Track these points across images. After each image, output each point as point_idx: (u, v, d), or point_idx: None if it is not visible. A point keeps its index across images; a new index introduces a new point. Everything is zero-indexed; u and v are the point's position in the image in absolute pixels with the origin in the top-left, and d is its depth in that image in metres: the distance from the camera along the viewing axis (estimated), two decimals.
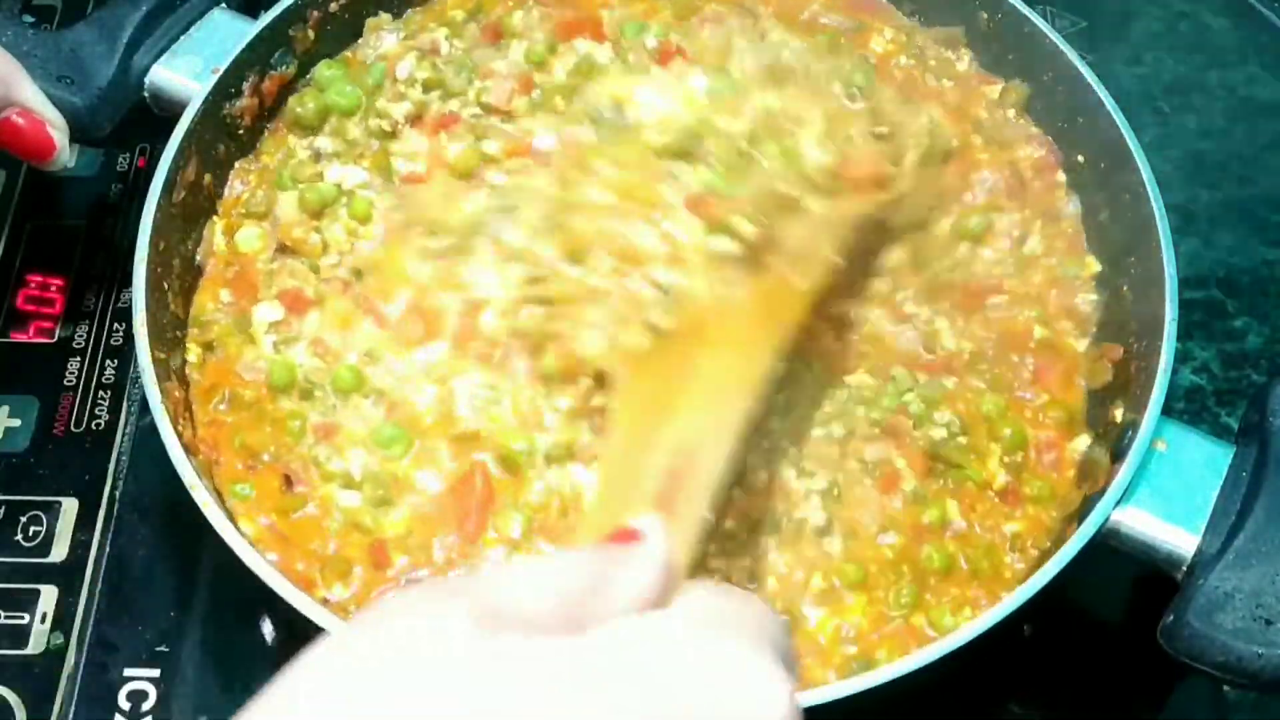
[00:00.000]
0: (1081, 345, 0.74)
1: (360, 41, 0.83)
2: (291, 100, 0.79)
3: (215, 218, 0.76)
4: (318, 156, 0.77)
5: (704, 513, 0.52)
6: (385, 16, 0.83)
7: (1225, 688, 0.73)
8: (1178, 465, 0.65)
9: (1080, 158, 0.79)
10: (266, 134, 0.80)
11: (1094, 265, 0.76)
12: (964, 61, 0.83)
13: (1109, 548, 0.64)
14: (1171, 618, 0.62)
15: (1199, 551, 0.63)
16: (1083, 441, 0.70)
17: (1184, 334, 0.70)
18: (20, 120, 0.73)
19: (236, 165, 0.78)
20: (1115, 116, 0.76)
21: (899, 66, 0.82)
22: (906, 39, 0.83)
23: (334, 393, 0.69)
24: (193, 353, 0.71)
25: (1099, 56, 0.98)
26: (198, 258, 0.75)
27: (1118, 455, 0.66)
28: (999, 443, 0.70)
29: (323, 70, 0.79)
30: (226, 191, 0.77)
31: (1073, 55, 0.78)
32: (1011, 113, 0.81)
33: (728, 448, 0.56)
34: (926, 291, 0.73)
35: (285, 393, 0.69)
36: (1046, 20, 0.81)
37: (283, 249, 0.74)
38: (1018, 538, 0.68)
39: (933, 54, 0.83)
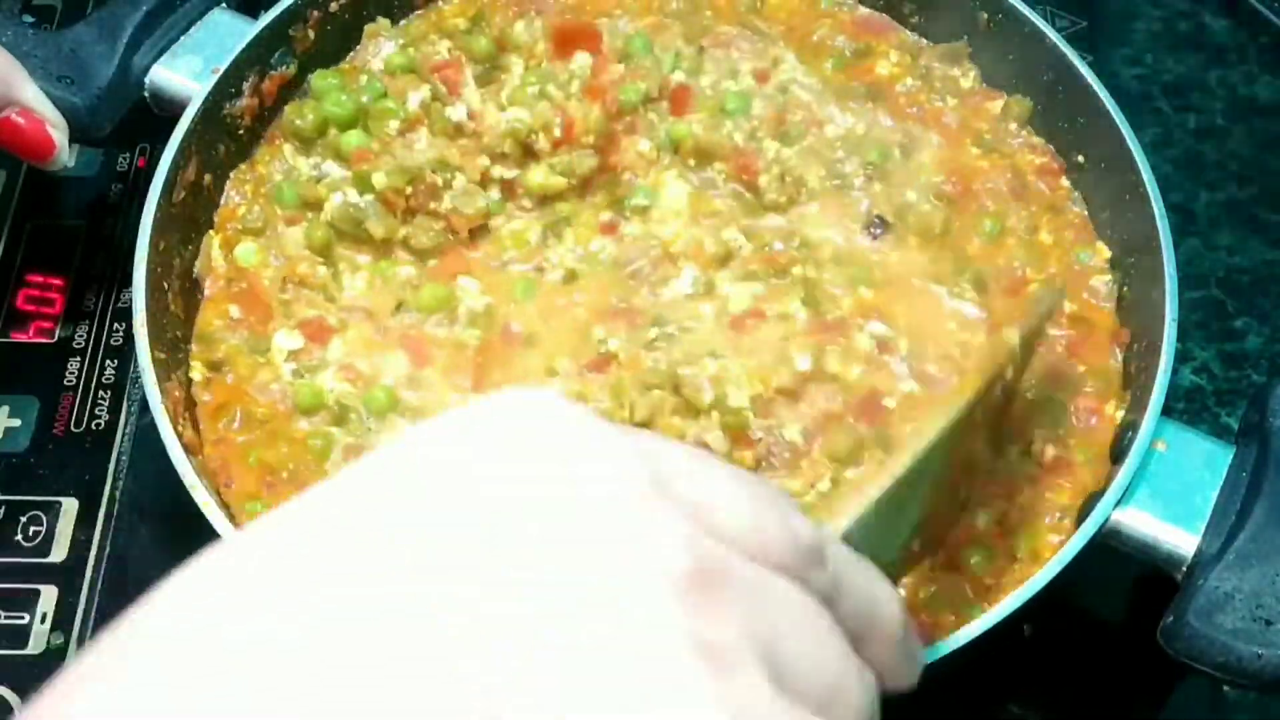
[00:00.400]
0: (1108, 310, 0.75)
1: (359, 48, 0.83)
2: (289, 110, 0.79)
3: (211, 232, 0.76)
4: (321, 178, 0.76)
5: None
6: (384, 22, 0.83)
7: (1225, 688, 0.73)
8: (1178, 465, 0.65)
9: (1080, 158, 0.79)
10: (262, 142, 0.80)
11: (1105, 251, 0.76)
12: (968, 78, 0.83)
13: (1109, 548, 0.64)
14: (1171, 618, 0.62)
15: (1199, 552, 0.63)
16: (1111, 407, 0.70)
17: (1184, 334, 0.70)
18: (20, 119, 0.73)
19: (232, 175, 0.78)
20: (1115, 116, 0.76)
21: (905, 90, 0.82)
22: (912, 60, 0.83)
23: (369, 415, 0.69)
24: (197, 371, 0.71)
25: (1099, 56, 0.98)
26: (196, 271, 0.74)
27: (1118, 455, 0.66)
28: (1043, 419, 0.70)
29: (317, 80, 0.79)
30: (223, 201, 0.77)
31: (1073, 55, 0.78)
32: (1014, 125, 0.81)
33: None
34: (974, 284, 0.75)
35: (308, 415, 0.69)
36: (1046, 20, 0.81)
37: (290, 280, 0.74)
38: (1067, 509, 0.68)
39: (938, 73, 0.83)
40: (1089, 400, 0.71)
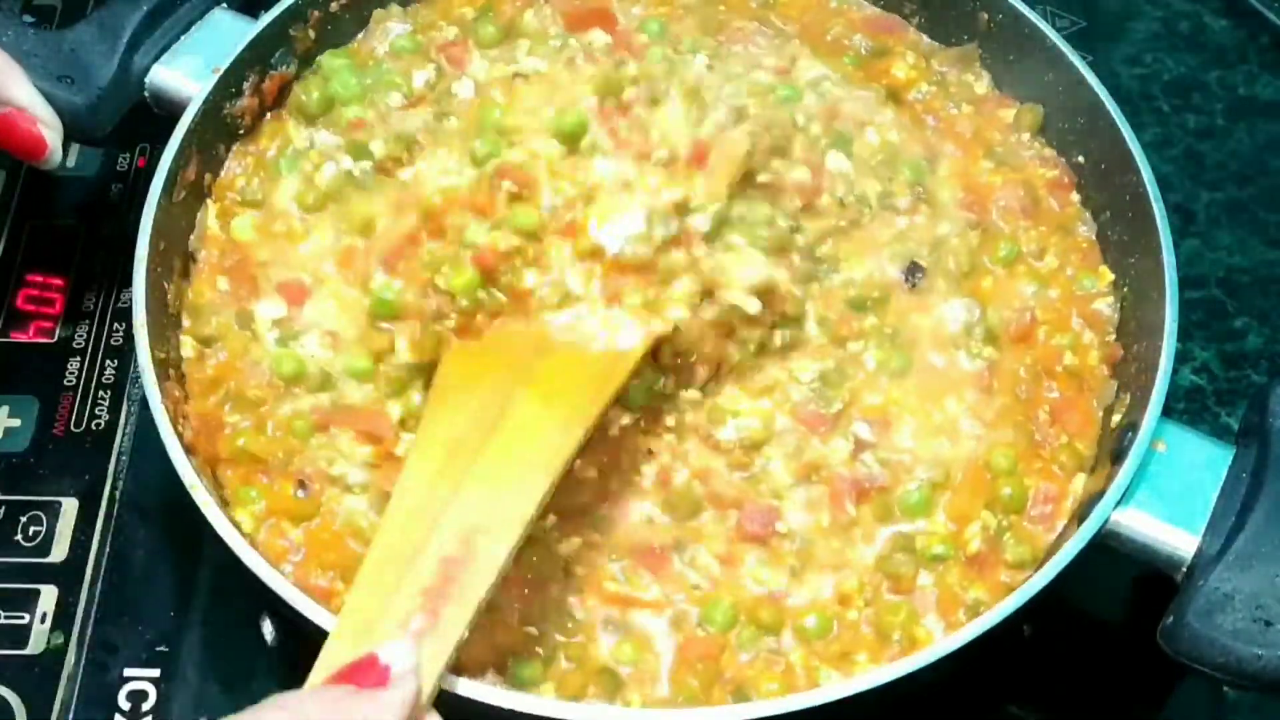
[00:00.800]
0: (1101, 357, 0.73)
1: (366, 32, 0.83)
2: (296, 87, 0.79)
3: (209, 201, 0.76)
4: (313, 145, 0.76)
5: (465, 629, 0.50)
6: (394, 8, 0.83)
7: (1225, 688, 0.73)
8: (1178, 466, 0.66)
9: (1081, 158, 0.79)
10: (268, 117, 0.79)
11: (1108, 275, 0.76)
12: (982, 84, 0.83)
13: (1109, 548, 0.64)
14: (1171, 619, 0.62)
15: (1199, 553, 0.63)
16: (1080, 480, 0.69)
17: (1184, 334, 0.70)
18: (12, 118, 0.73)
19: (234, 149, 0.78)
20: (1115, 116, 0.76)
21: (920, 96, 0.81)
22: (926, 64, 0.83)
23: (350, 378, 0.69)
24: (188, 347, 0.71)
25: (1099, 56, 0.99)
26: (191, 243, 0.74)
27: (1117, 456, 0.66)
28: (993, 506, 0.68)
29: (328, 60, 0.79)
30: (223, 173, 0.77)
31: (1073, 55, 0.78)
32: (1026, 136, 0.81)
33: (511, 545, 0.53)
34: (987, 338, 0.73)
35: (290, 384, 0.69)
36: (1046, 20, 0.81)
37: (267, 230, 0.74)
38: (979, 604, 0.65)
39: (952, 78, 0.83)
40: (1054, 483, 0.69)
